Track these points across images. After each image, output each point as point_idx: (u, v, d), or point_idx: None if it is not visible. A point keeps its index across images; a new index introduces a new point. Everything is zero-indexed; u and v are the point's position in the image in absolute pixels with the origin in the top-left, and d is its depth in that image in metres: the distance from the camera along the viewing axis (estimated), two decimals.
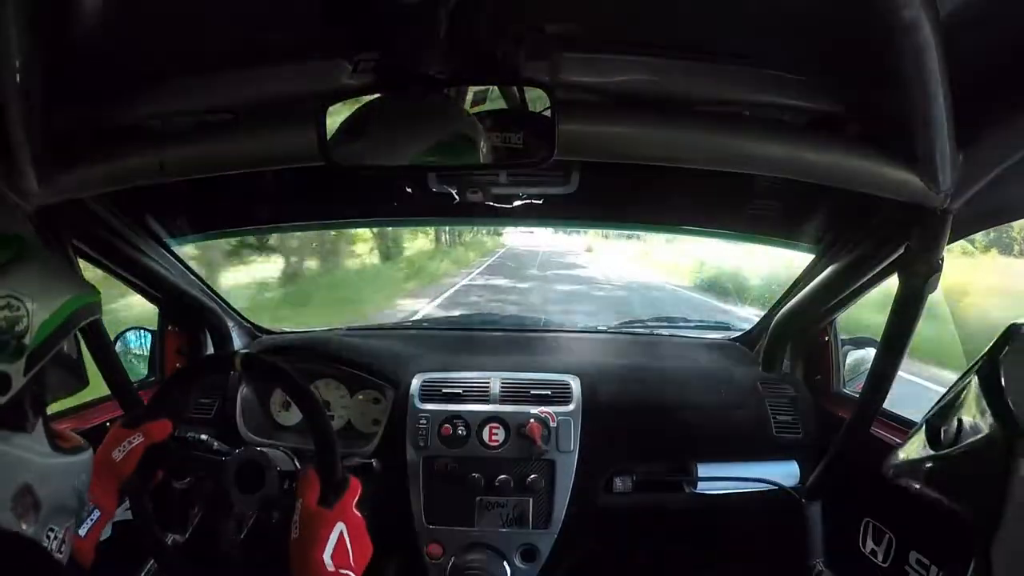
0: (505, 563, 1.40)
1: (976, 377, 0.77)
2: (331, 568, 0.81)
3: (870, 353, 1.55)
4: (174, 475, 0.98)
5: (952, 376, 0.91)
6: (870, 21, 0.68)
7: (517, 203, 1.43)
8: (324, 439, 0.90)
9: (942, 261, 1.02)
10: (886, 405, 1.26)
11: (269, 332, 1.93)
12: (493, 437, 1.43)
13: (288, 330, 1.98)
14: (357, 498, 0.88)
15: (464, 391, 1.49)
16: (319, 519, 0.84)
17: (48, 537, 0.67)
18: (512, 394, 1.49)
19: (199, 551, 0.97)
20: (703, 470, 1.46)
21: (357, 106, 0.86)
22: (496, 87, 0.95)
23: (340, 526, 0.83)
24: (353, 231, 8.92)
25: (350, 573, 0.82)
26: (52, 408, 1.36)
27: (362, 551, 0.86)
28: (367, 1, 0.69)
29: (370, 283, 10.20)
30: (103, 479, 0.89)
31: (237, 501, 0.94)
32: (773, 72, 0.94)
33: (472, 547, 1.34)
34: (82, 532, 0.85)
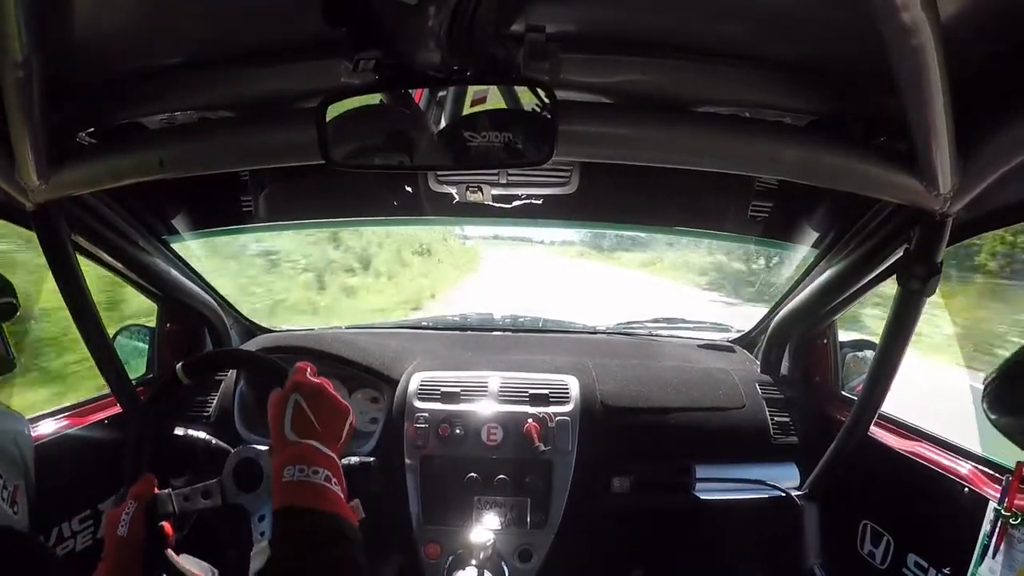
0: (503, 563, 1.39)
1: None
2: (292, 438, 0.78)
3: (869, 355, 1.56)
4: (170, 472, 0.98)
5: None
6: (870, 23, 0.68)
7: (517, 203, 1.43)
8: (257, 361, 0.96)
9: (941, 264, 1.02)
10: (884, 407, 1.26)
11: (268, 330, 1.93)
12: (491, 437, 1.43)
13: (287, 328, 1.98)
14: (309, 371, 0.87)
15: (462, 391, 1.49)
16: (274, 400, 0.83)
17: None
18: (510, 394, 1.49)
19: (198, 550, 0.96)
20: (701, 472, 1.46)
21: (357, 105, 0.86)
22: (496, 87, 0.95)
23: (294, 397, 0.81)
24: None
25: (313, 442, 0.78)
26: (51, 408, 1.38)
27: (329, 415, 0.82)
28: (367, 1, 0.69)
29: None
30: (119, 557, 0.87)
31: (236, 499, 0.93)
32: (773, 73, 0.94)
33: (470, 547, 1.34)
34: None
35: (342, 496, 0.76)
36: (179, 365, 0.97)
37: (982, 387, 0.85)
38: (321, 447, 0.78)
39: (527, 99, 0.91)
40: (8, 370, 0.98)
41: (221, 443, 1.04)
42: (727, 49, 0.91)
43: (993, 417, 0.83)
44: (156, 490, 0.92)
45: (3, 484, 0.85)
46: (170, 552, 0.90)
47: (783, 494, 1.44)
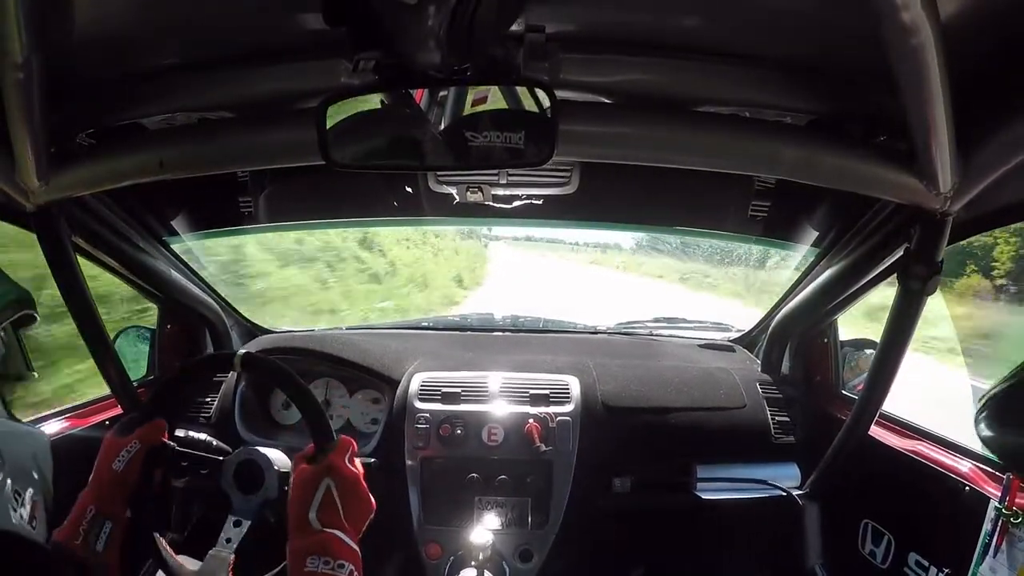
0: (503, 563, 1.39)
1: None
2: (316, 526, 0.77)
3: (870, 354, 1.56)
4: (173, 474, 0.98)
5: None
6: (870, 23, 0.68)
7: (517, 203, 1.43)
8: (312, 407, 0.91)
9: (942, 263, 1.02)
10: (885, 406, 1.26)
11: (268, 331, 1.93)
12: (492, 437, 1.43)
13: (287, 329, 1.98)
14: (349, 455, 0.86)
15: (463, 391, 1.49)
16: (305, 476, 0.82)
17: (16, 499, 0.68)
18: (511, 394, 1.49)
19: (198, 550, 0.96)
20: (702, 471, 1.46)
21: (357, 106, 0.86)
22: (496, 87, 0.95)
23: (327, 482, 0.80)
24: None
25: (338, 533, 0.77)
26: (50, 408, 1.38)
27: (357, 507, 0.82)
28: (367, 1, 0.69)
29: None
30: (107, 491, 0.87)
31: (237, 502, 0.93)
32: (773, 73, 0.94)
33: (470, 547, 1.34)
34: (99, 547, 0.84)
35: None
36: (242, 352, 0.95)
37: (978, 405, 0.85)
38: (346, 539, 0.78)
39: (527, 99, 0.91)
40: (26, 380, 0.98)
41: (222, 444, 1.04)
42: (727, 49, 0.91)
43: (988, 435, 0.82)
44: (165, 438, 0.92)
45: (21, 501, 0.85)
46: (168, 549, 0.90)
47: (784, 494, 1.44)
